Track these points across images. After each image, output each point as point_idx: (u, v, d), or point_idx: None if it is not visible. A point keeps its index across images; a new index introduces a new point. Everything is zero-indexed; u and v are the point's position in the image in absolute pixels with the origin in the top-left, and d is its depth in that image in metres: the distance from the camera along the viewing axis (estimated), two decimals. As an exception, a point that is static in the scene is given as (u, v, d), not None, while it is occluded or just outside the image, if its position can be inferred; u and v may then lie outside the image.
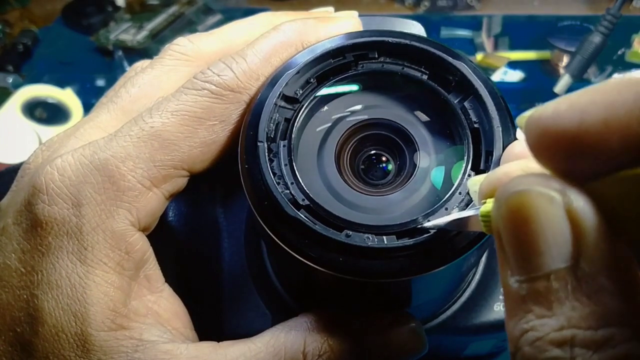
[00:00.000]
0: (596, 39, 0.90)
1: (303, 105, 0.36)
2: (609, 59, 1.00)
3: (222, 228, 0.47)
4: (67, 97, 0.98)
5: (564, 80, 0.93)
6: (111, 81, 0.46)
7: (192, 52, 0.42)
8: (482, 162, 0.34)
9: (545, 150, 0.23)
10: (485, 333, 0.46)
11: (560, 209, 0.22)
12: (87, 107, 0.96)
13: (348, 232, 0.32)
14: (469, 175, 0.34)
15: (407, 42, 0.36)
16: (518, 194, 0.22)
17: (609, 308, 0.21)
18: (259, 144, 0.34)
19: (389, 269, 0.32)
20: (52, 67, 1.08)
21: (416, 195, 0.36)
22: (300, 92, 0.36)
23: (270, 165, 0.34)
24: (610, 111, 0.20)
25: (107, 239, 0.35)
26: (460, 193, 0.33)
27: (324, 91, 0.37)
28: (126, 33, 1.08)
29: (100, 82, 1.04)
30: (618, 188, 0.21)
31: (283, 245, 0.33)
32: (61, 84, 1.01)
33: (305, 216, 0.33)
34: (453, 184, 0.34)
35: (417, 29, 0.42)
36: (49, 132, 0.93)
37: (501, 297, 0.46)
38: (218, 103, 0.36)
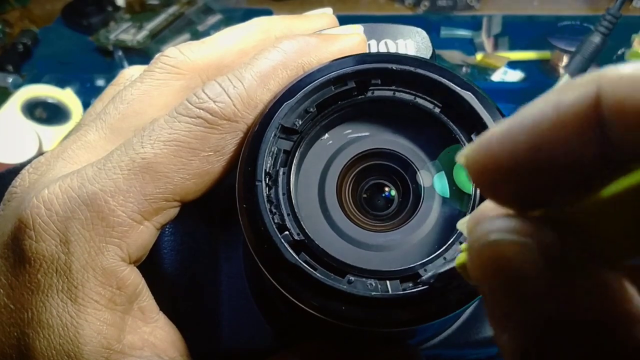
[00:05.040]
0: (596, 39, 0.89)
1: (303, 137, 0.35)
2: (609, 59, 0.99)
3: (220, 240, 0.45)
4: (67, 97, 0.98)
5: (564, 81, 0.93)
6: (111, 81, 0.45)
7: (184, 65, 0.40)
8: None
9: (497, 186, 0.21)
10: (486, 347, 0.46)
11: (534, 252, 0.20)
12: (87, 107, 0.96)
13: (350, 277, 0.31)
14: None
15: (412, 69, 0.35)
16: (488, 245, 0.21)
17: None
18: (257, 183, 0.33)
19: (393, 318, 0.31)
20: (52, 67, 1.07)
21: (421, 231, 0.35)
22: (300, 122, 0.35)
23: (267, 203, 0.32)
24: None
25: (98, 277, 0.34)
26: (460, 242, 0.32)
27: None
28: (126, 33, 1.08)
29: (100, 82, 1.04)
30: (599, 210, 0.19)
31: (284, 292, 0.32)
32: (61, 84, 1.01)
33: (305, 261, 0.31)
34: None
35: (421, 36, 0.41)
36: (49, 132, 0.93)
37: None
38: (213, 133, 0.35)
